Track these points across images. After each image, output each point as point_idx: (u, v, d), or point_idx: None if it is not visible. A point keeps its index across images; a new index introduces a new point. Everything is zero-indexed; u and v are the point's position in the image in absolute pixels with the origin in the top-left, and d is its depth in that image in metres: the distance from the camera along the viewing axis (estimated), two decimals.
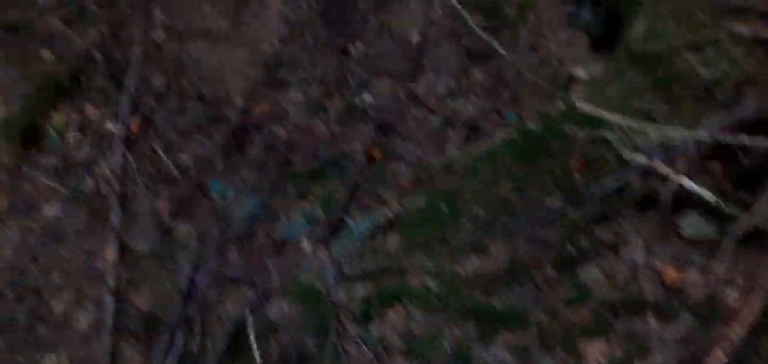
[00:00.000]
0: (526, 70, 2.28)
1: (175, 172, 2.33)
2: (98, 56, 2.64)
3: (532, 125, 1.83)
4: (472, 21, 2.48)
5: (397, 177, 2.19)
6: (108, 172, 2.37)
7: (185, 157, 2.39)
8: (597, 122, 1.71)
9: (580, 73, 2.20)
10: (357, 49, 2.65)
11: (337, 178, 2.22)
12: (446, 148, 2.31)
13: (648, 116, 1.66)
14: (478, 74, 2.47)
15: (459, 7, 2.51)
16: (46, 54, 2.71)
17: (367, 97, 2.50)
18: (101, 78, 2.61)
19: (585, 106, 1.53)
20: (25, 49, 2.73)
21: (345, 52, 2.63)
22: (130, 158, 2.37)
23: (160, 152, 2.38)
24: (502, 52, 2.35)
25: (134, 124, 2.46)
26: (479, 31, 2.42)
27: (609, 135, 1.62)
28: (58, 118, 2.55)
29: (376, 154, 2.28)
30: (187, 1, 2.80)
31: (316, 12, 2.70)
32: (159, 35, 2.73)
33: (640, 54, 1.74)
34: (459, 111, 2.40)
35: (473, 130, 2.32)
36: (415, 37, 2.61)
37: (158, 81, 2.61)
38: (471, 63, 2.48)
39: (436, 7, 2.63)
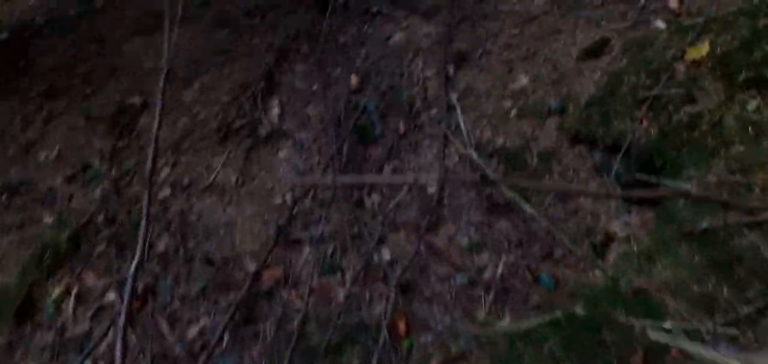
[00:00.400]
0: (557, 227, 2.13)
1: (179, 352, 2.13)
2: (100, 219, 2.52)
3: (578, 310, 1.64)
4: (492, 170, 2.37)
5: (426, 355, 1.99)
6: (107, 352, 2.18)
7: (190, 332, 2.20)
8: (647, 304, 1.54)
9: (617, 228, 2.05)
10: (372, 199, 2.52)
11: (357, 358, 2.01)
12: (476, 312, 2.12)
13: (710, 301, 1.48)
14: (503, 226, 2.31)
15: (477, 158, 2.40)
16: (46, 216, 2.59)
17: (386, 253, 2.34)
18: (103, 242, 2.47)
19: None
20: (24, 212, 2.62)
21: (360, 203, 2.50)
22: (131, 335, 2.18)
23: (164, 328, 2.20)
24: (525, 206, 2.21)
25: (136, 294, 2.29)
26: (501, 184, 2.29)
27: (670, 325, 1.44)
28: (55, 288, 2.38)
29: (401, 325, 2.08)
30: (195, 154, 2.72)
31: (328, 162, 2.60)
32: (164, 191, 2.62)
33: (691, 230, 1.58)
34: (485, 267, 2.23)
35: (504, 291, 2.14)
36: (432, 187, 2.48)
37: (163, 243, 2.46)
38: (494, 215, 2.33)
39: (452, 155, 2.52)
